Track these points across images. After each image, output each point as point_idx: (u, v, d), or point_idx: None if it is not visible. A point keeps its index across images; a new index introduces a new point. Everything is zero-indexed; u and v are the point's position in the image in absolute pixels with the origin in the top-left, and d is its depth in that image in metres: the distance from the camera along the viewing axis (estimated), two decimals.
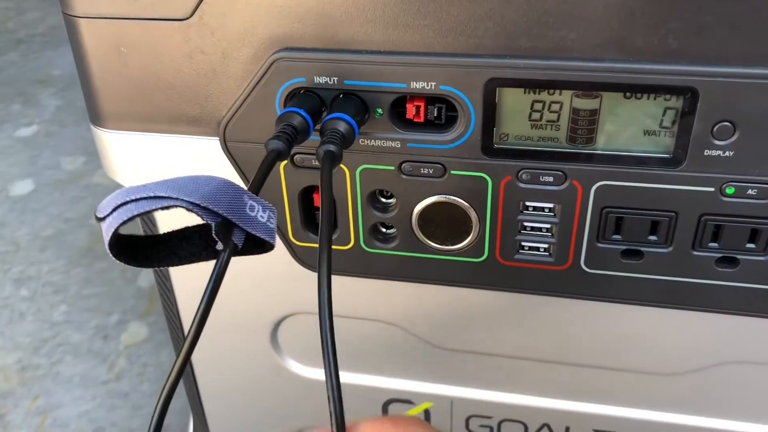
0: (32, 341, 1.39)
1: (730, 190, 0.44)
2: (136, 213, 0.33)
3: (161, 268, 0.61)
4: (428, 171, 0.47)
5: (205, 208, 0.34)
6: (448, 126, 0.46)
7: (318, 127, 0.44)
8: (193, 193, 0.33)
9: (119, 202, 0.34)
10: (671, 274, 0.49)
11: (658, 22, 0.40)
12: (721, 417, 0.60)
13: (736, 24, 0.39)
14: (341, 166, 0.49)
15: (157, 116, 0.50)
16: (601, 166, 0.45)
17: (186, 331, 0.54)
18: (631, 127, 0.44)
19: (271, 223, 0.36)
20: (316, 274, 0.54)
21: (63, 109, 2.17)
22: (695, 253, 0.47)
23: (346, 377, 0.63)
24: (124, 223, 0.34)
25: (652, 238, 0.47)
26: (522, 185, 0.47)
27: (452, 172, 0.47)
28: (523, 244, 0.50)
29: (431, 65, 0.43)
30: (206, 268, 0.35)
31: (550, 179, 0.46)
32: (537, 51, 0.42)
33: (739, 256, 0.47)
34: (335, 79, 0.45)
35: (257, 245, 0.36)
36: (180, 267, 0.38)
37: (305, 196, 0.51)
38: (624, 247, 0.48)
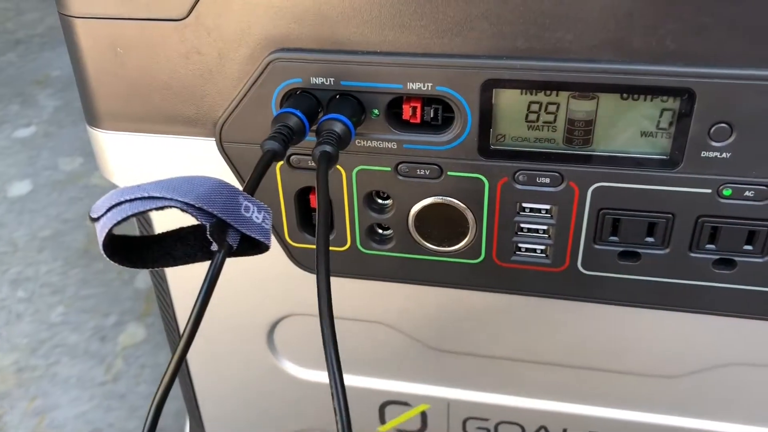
0: (29, 342, 1.39)
1: (727, 192, 0.44)
2: (130, 213, 0.33)
3: (156, 269, 0.61)
4: (425, 172, 0.47)
5: (199, 209, 0.33)
6: (445, 127, 0.46)
7: (314, 127, 0.44)
8: (188, 193, 0.33)
9: (114, 203, 0.34)
10: (668, 276, 0.49)
11: (655, 23, 0.40)
12: (719, 419, 0.59)
13: (733, 25, 0.39)
14: (337, 167, 0.49)
15: (154, 117, 0.50)
16: (598, 167, 0.45)
17: (182, 332, 0.54)
18: (628, 128, 0.44)
19: (266, 224, 0.36)
20: (312, 275, 0.55)
21: (61, 109, 2.17)
22: (692, 254, 0.47)
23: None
24: (119, 223, 0.33)
25: (649, 239, 0.47)
26: (519, 186, 0.47)
27: (449, 173, 0.47)
28: (520, 245, 0.50)
29: (428, 66, 0.43)
30: (202, 269, 0.35)
31: (547, 181, 0.46)
32: (534, 52, 0.42)
33: (736, 258, 0.47)
34: (331, 79, 0.44)
35: (252, 246, 0.36)
36: (176, 268, 0.38)
37: (301, 197, 0.51)
38: (621, 249, 0.48)
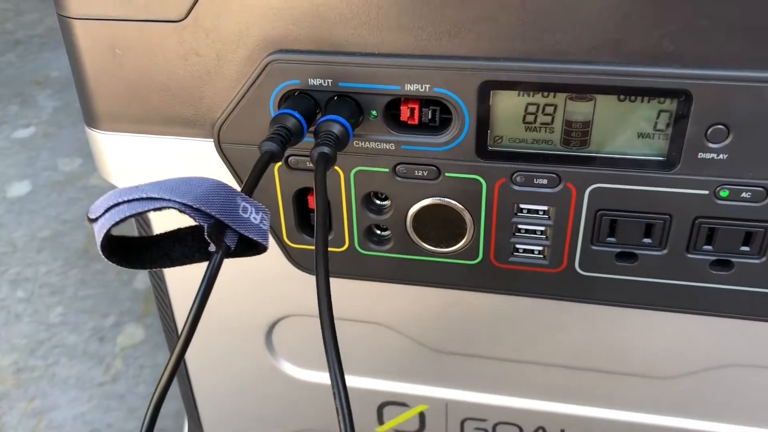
0: (28, 343, 1.39)
1: (724, 193, 0.44)
2: (128, 214, 0.33)
3: (155, 269, 0.61)
4: (422, 173, 0.47)
5: (197, 210, 0.34)
6: (443, 128, 0.46)
7: (312, 128, 0.44)
8: (186, 194, 0.33)
9: (112, 203, 0.34)
10: (666, 277, 0.49)
11: (652, 25, 0.40)
12: (716, 420, 0.59)
13: (730, 27, 0.39)
14: (336, 168, 0.49)
15: (152, 118, 0.50)
16: (596, 168, 0.45)
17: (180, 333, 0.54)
18: (625, 129, 0.44)
19: (264, 224, 0.36)
20: (310, 276, 0.55)
21: (60, 110, 2.17)
22: (690, 255, 0.47)
23: None
24: (117, 224, 0.34)
25: (647, 240, 0.47)
26: (516, 188, 0.47)
27: (446, 174, 0.47)
28: (518, 246, 0.50)
29: (425, 68, 0.43)
30: (201, 270, 0.35)
31: (545, 182, 0.46)
32: (531, 54, 0.42)
33: (733, 259, 0.47)
34: (329, 81, 0.45)
35: (250, 247, 0.36)
36: (175, 269, 0.38)
37: (299, 197, 0.51)
38: (618, 250, 0.48)
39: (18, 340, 1.40)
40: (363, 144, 0.47)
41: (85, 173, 1.86)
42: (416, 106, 0.45)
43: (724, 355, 0.54)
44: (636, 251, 0.48)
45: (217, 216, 0.34)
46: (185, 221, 0.35)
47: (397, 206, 0.49)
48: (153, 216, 0.56)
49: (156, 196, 0.33)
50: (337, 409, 0.35)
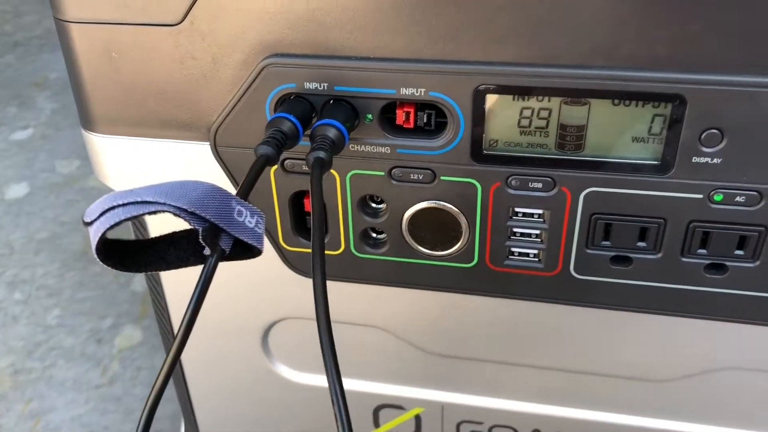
0: (25, 345, 1.39)
1: (718, 197, 0.44)
2: (123, 218, 0.33)
3: (150, 272, 0.61)
4: (418, 177, 0.47)
5: (192, 213, 0.34)
6: (438, 132, 0.46)
7: (308, 132, 0.44)
8: (181, 198, 0.33)
9: (107, 207, 0.34)
10: (660, 281, 0.49)
11: (646, 30, 0.40)
12: (712, 423, 0.60)
13: (723, 32, 0.40)
14: (331, 171, 0.49)
15: (148, 121, 0.50)
16: (590, 172, 0.45)
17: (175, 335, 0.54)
18: (619, 134, 0.44)
19: (259, 228, 0.36)
20: (306, 279, 0.55)
21: (59, 112, 2.17)
22: (684, 259, 0.48)
23: None
24: (112, 227, 0.34)
25: (641, 244, 0.47)
26: (511, 191, 0.47)
27: (442, 177, 0.47)
28: (513, 249, 0.50)
29: (420, 72, 0.43)
30: (197, 272, 0.35)
31: (539, 185, 0.46)
32: (526, 58, 0.42)
33: (727, 263, 0.47)
34: (325, 84, 0.45)
35: (245, 250, 0.36)
36: (171, 271, 0.38)
37: (295, 200, 0.51)
38: (613, 254, 0.48)
39: (15, 342, 1.40)
40: (359, 147, 0.47)
41: (83, 175, 1.86)
42: (412, 110, 0.45)
43: (719, 359, 0.54)
44: (631, 255, 0.48)
45: (212, 220, 0.34)
46: (182, 224, 0.35)
47: (392, 209, 0.50)
48: (149, 219, 0.57)
49: (151, 199, 0.33)
50: (335, 413, 0.35)
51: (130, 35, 0.46)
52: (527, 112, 0.44)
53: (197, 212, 0.34)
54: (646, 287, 0.49)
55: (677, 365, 0.56)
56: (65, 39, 0.48)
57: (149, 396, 0.34)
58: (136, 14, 0.46)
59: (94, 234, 0.34)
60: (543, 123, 0.45)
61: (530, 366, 0.59)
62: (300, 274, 0.55)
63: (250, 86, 0.46)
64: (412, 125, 0.46)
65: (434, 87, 0.44)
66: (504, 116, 0.45)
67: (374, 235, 0.53)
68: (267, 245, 0.53)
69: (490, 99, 0.44)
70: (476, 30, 0.42)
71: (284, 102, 0.46)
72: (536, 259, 0.50)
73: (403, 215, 0.49)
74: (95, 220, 0.34)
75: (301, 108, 0.45)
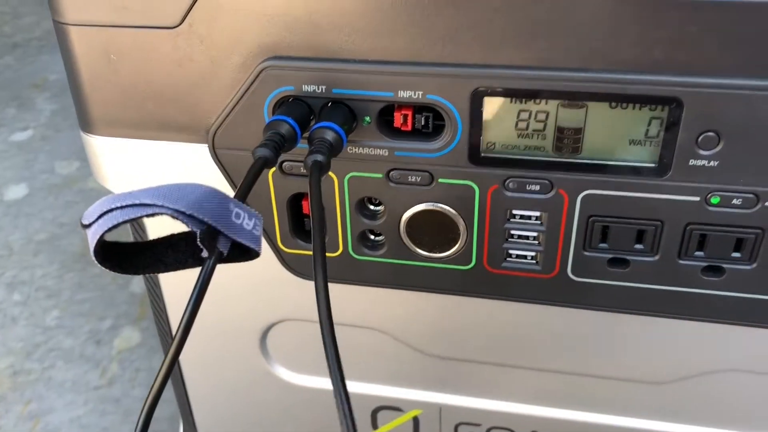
0: (24, 346, 1.39)
1: (715, 200, 0.45)
2: (121, 220, 0.34)
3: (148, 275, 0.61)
4: (416, 179, 0.48)
5: (190, 216, 0.34)
6: (436, 134, 0.46)
7: (306, 135, 0.44)
8: (179, 200, 0.34)
9: (105, 209, 0.34)
10: (657, 283, 0.49)
11: (643, 33, 0.40)
12: (709, 425, 0.60)
13: (720, 35, 0.40)
14: (330, 173, 0.49)
15: (147, 123, 0.50)
16: (587, 175, 0.45)
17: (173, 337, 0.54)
18: (616, 136, 0.44)
19: (257, 230, 0.36)
20: (304, 281, 0.55)
21: (58, 113, 2.17)
22: (681, 261, 0.48)
23: None
24: (110, 230, 0.34)
25: (639, 246, 0.48)
26: (509, 194, 0.47)
27: (440, 180, 0.47)
28: (511, 252, 0.50)
29: (418, 74, 0.43)
30: (195, 274, 0.35)
31: (537, 188, 0.46)
32: (523, 61, 0.42)
33: (724, 265, 0.47)
34: (323, 87, 0.45)
35: (243, 252, 0.37)
36: (169, 273, 0.38)
37: (294, 202, 0.52)
38: (610, 256, 0.49)
39: (14, 343, 1.40)
40: (357, 150, 0.47)
41: (83, 176, 1.86)
42: (409, 113, 0.45)
43: (716, 361, 0.55)
44: (628, 257, 0.48)
45: (210, 222, 0.34)
46: (180, 226, 0.35)
47: (390, 212, 0.50)
48: (148, 221, 0.57)
49: (149, 202, 0.33)
50: (340, 416, 0.35)
51: (129, 38, 0.47)
52: (524, 115, 0.44)
53: (195, 215, 0.34)
54: (643, 289, 0.49)
55: (674, 367, 0.56)
56: (64, 41, 0.48)
57: (147, 397, 0.35)
58: (135, 17, 0.46)
59: (92, 236, 0.34)
60: (540, 126, 0.45)
61: (528, 368, 0.59)
62: (298, 276, 0.55)
63: (248, 89, 0.46)
64: (410, 128, 0.46)
65: (432, 90, 0.44)
66: (501, 119, 0.45)
67: (372, 237, 0.53)
68: (265, 247, 0.53)
69: (488, 102, 0.44)
70: (473, 33, 0.42)
71: (282, 104, 0.46)
72: (534, 261, 0.50)
73: (401, 217, 0.50)
74: (93, 222, 0.34)
75: (300, 110, 0.45)
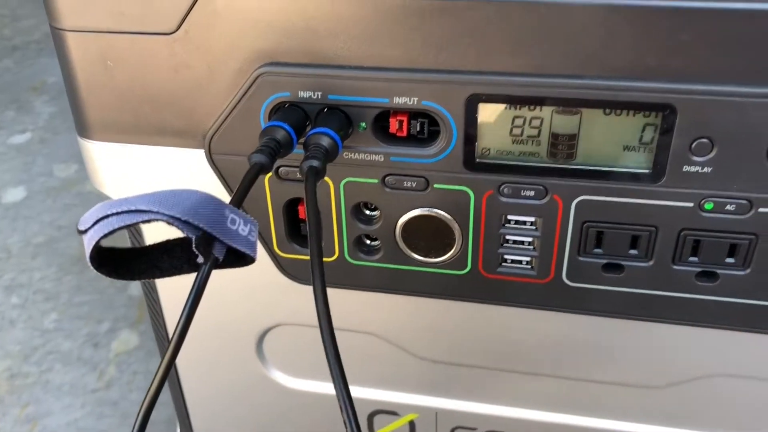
0: (22, 349, 1.39)
1: (708, 206, 0.45)
2: (117, 226, 0.34)
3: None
4: (411, 184, 0.48)
5: (185, 222, 0.34)
6: (431, 140, 0.46)
7: (302, 140, 0.45)
8: (174, 207, 0.34)
9: (101, 215, 0.34)
10: (652, 288, 0.49)
11: (636, 40, 0.41)
12: (704, 430, 0.60)
13: (713, 42, 0.40)
14: (325, 178, 0.49)
15: (143, 128, 0.50)
16: (582, 181, 0.46)
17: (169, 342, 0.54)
18: (611, 143, 0.44)
19: (252, 236, 0.37)
20: (301, 286, 0.55)
21: (57, 116, 2.17)
22: (675, 267, 0.48)
23: (330, 388, 0.63)
24: (106, 236, 0.34)
25: (633, 252, 0.48)
26: (504, 199, 0.47)
27: (435, 185, 0.48)
28: (506, 257, 0.50)
29: (413, 81, 0.44)
30: (192, 278, 0.35)
31: (532, 193, 0.47)
32: (518, 67, 0.43)
33: (718, 271, 0.48)
34: (319, 93, 0.45)
35: (238, 258, 0.37)
36: (166, 278, 0.38)
37: (290, 207, 0.52)
38: (605, 261, 0.49)
39: (12, 346, 1.40)
40: (352, 155, 0.47)
41: (81, 179, 1.86)
42: (405, 119, 0.46)
43: (710, 366, 0.55)
44: (622, 262, 0.48)
45: (205, 228, 0.34)
46: (177, 232, 0.35)
47: (386, 217, 0.50)
48: (145, 227, 0.57)
49: (144, 208, 0.34)
50: (344, 420, 0.35)
51: (126, 44, 0.47)
52: (519, 121, 0.45)
53: (190, 221, 0.34)
54: (637, 294, 0.50)
55: (669, 372, 0.56)
56: (61, 47, 0.49)
57: (144, 400, 0.35)
58: (132, 23, 0.46)
59: (89, 242, 0.34)
60: (535, 132, 0.45)
61: (523, 372, 0.59)
62: (294, 280, 0.55)
63: (244, 94, 0.46)
64: (405, 134, 0.46)
65: (427, 96, 0.44)
66: (496, 125, 0.45)
67: (368, 242, 0.53)
68: (261, 252, 0.54)
69: (483, 108, 0.44)
70: (468, 39, 0.42)
71: (278, 110, 0.46)
72: (529, 267, 0.50)
73: (396, 222, 0.50)
74: (89, 228, 0.34)
75: (296, 116, 0.45)
